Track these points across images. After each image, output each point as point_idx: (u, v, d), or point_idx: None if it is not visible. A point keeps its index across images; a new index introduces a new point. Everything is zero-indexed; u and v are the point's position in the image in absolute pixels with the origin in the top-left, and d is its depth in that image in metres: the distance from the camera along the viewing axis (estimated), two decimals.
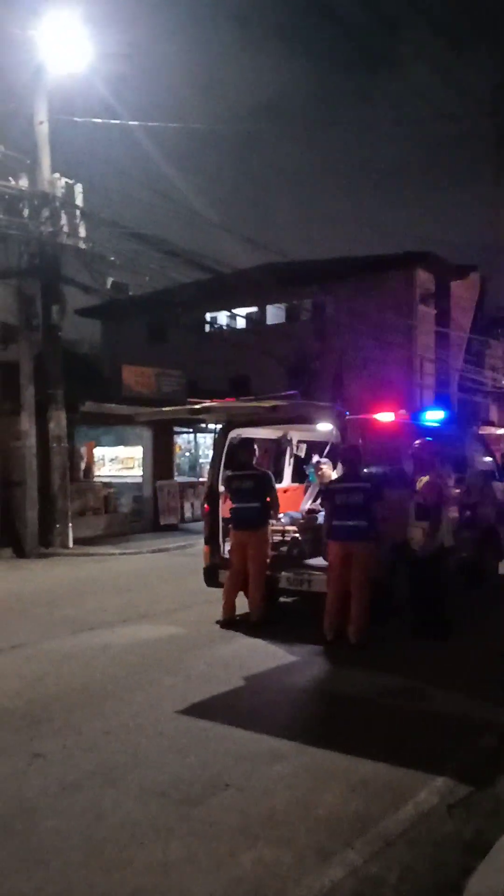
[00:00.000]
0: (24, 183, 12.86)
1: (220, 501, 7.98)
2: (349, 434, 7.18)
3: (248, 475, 7.59)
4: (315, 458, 9.22)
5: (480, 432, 10.89)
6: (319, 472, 8.80)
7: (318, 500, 8.43)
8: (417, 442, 7.38)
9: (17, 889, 3.00)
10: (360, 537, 6.66)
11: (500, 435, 20.63)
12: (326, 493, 7.15)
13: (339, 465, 7.25)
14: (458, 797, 3.78)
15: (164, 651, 6.63)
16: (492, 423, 25.50)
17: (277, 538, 8.04)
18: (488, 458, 10.37)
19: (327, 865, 3.13)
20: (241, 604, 7.55)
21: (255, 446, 8.00)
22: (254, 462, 7.79)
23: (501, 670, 6.04)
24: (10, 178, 12.84)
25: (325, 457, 8.91)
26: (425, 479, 7.01)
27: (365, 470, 7.09)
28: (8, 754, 4.33)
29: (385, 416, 7.86)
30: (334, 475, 8.04)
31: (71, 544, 13.42)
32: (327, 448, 9.06)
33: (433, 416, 9.16)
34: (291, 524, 8.27)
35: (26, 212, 12.75)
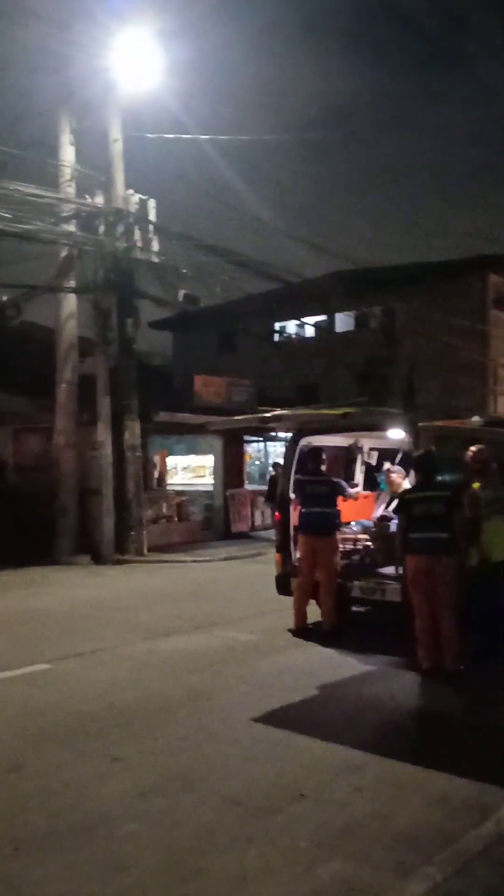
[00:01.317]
0: (99, 200, 13.32)
1: (291, 509, 7.98)
2: (422, 441, 7.01)
3: (322, 480, 7.59)
4: (386, 466, 9.11)
5: None
6: (389, 480, 8.67)
7: (390, 507, 8.23)
8: (473, 448, 6.77)
9: (97, 894, 3.06)
10: (445, 550, 6.20)
11: None
12: (402, 502, 6.65)
13: (412, 473, 7.07)
14: None
15: (237, 658, 6.66)
16: None
17: (349, 546, 7.97)
18: None
19: (407, 881, 3.07)
20: (314, 613, 7.52)
21: (323, 454, 7.96)
22: (321, 469, 7.76)
23: None
24: (87, 196, 13.31)
25: (398, 465, 8.78)
26: (477, 486, 6.52)
27: (439, 478, 6.87)
28: (88, 758, 4.43)
29: (457, 423, 7.66)
30: (406, 484, 7.89)
31: (146, 551, 13.70)
32: (398, 456, 8.92)
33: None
34: (363, 532, 8.19)
35: (102, 228, 13.17)
